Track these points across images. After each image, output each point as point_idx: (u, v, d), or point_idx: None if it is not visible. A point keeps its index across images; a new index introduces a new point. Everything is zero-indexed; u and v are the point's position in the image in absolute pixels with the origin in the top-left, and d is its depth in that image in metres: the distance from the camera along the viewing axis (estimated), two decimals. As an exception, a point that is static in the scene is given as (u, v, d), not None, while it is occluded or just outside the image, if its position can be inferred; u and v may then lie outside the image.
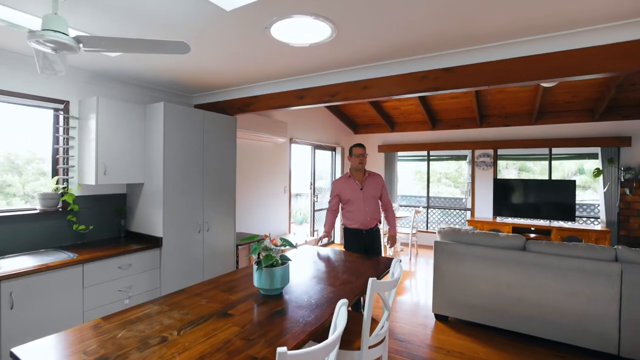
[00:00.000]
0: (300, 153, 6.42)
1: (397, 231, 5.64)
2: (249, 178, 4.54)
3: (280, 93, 3.08)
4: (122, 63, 2.61)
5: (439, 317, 3.35)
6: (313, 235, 6.14)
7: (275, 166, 5.07)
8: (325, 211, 6.93)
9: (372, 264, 2.41)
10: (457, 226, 7.79)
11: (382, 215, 3.16)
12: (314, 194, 6.30)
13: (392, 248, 3.00)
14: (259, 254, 1.76)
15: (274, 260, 1.77)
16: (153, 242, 2.80)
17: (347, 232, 3.05)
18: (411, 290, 4.21)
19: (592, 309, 2.68)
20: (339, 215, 3.17)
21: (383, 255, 3.05)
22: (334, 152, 6.99)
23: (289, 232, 5.45)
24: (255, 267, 1.75)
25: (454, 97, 5.67)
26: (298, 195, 10.05)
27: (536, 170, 9.82)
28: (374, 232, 3.02)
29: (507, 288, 2.99)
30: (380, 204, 3.10)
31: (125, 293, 2.54)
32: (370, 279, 1.54)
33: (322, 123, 6.33)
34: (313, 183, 6.26)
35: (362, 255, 2.72)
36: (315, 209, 6.44)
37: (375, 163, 7.30)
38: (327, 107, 6.39)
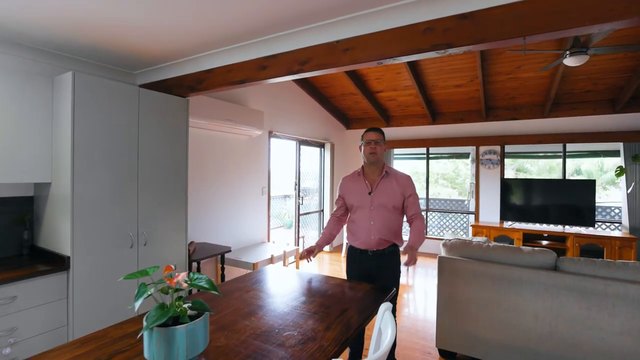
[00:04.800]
0: (283, 149, 5.69)
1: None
2: (216, 177, 3.80)
3: (238, 64, 2.35)
4: (16, 15, 1.87)
5: (444, 354, 2.64)
6: (297, 245, 5.40)
7: (251, 163, 4.34)
8: (313, 215, 6.26)
9: (354, 299, 1.69)
10: (463, 235, 7.06)
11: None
12: (298, 195, 5.57)
13: (408, 267, 2.03)
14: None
15: (180, 311, 1.04)
16: (58, 264, 2.05)
17: (350, 251, 2.24)
18: (409, 313, 3.49)
19: (651, 351, 2.00)
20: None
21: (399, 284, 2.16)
22: (322, 149, 6.26)
23: (268, 239, 4.71)
24: (144, 323, 1.02)
25: (458, 86, 4.97)
26: (286, 197, 9.34)
27: (533, 171, 9.20)
28: (386, 256, 2.13)
29: (534, 319, 2.30)
30: (405, 216, 2.20)
31: (5, 339, 1.79)
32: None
33: (308, 115, 5.60)
34: (298, 183, 5.54)
35: (346, 282, 1.99)
36: (301, 212, 5.71)
37: (368, 161, 6.58)
38: (314, 97, 5.66)
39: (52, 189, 2.19)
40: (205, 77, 2.53)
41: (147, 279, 1.09)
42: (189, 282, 1.05)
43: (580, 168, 9.13)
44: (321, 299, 1.66)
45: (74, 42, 2.26)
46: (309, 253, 2.12)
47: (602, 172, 9.08)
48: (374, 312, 1.53)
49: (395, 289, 1.88)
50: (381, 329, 1.12)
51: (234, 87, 2.45)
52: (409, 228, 2.17)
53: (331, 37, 1.93)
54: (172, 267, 1.11)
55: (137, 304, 0.99)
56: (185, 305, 1.08)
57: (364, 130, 2.21)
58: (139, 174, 2.42)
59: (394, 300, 2.11)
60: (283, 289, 1.81)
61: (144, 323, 1.02)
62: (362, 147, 2.17)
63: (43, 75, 2.25)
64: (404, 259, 2.15)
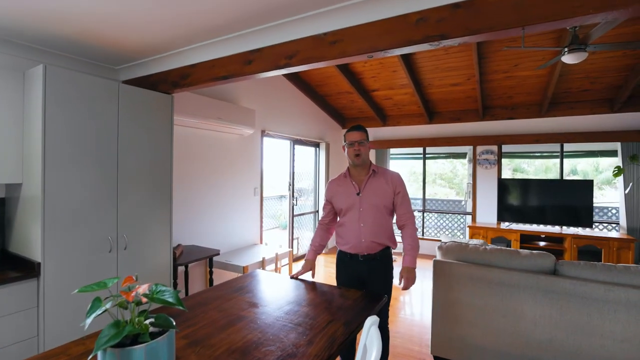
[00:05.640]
0: (277, 149, 5.58)
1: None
2: (206, 177, 3.68)
3: (222, 59, 2.23)
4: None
5: (439, 362, 2.54)
6: (291, 247, 5.28)
7: (243, 163, 4.21)
8: (308, 216, 6.15)
9: (342, 308, 1.57)
10: (460, 237, 6.96)
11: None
12: (292, 196, 5.45)
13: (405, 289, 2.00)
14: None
15: (140, 329, 0.93)
16: (28, 270, 1.93)
17: (339, 256, 2.11)
18: (404, 317, 3.38)
19: (655, 360, 1.91)
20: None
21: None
22: (317, 149, 6.15)
23: (261, 241, 4.59)
24: (97, 342, 0.90)
25: (455, 85, 4.88)
26: (282, 197, 9.23)
27: (530, 171, 9.13)
28: (377, 260, 2.00)
29: (532, 326, 2.21)
30: (395, 216, 2.09)
31: (-35, 352, 1.67)
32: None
33: (302, 114, 5.49)
34: (292, 184, 5.42)
35: (336, 288, 1.88)
36: (295, 213, 5.59)
37: (364, 161, 6.47)
38: (309, 96, 5.55)
39: (22, 190, 2.06)
40: (189, 73, 2.41)
41: (105, 292, 0.97)
42: (150, 295, 0.94)
43: (576, 168, 9.07)
44: (307, 308, 1.55)
45: (46, 34, 2.12)
46: (305, 271, 2.08)
47: (598, 172, 9.02)
48: (362, 323, 1.42)
49: (386, 296, 1.77)
50: (366, 346, 1.01)
51: (219, 83, 2.34)
52: (401, 233, 2.05)
53: (318, 29, 1.82)
54: (134, 278, 1.00)
55: (88, 321, 0.88)
56: (147, 322, 0.96)
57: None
58: (119, 173, 2.30)
59: (386, 307, 2.00)
60: (268, 297, 1.70)
61: (95, 343, 0.90)
62: (346, 149, 2.04)
63: (14, 68, 2.12)
64: (396, 264, 2.04)
